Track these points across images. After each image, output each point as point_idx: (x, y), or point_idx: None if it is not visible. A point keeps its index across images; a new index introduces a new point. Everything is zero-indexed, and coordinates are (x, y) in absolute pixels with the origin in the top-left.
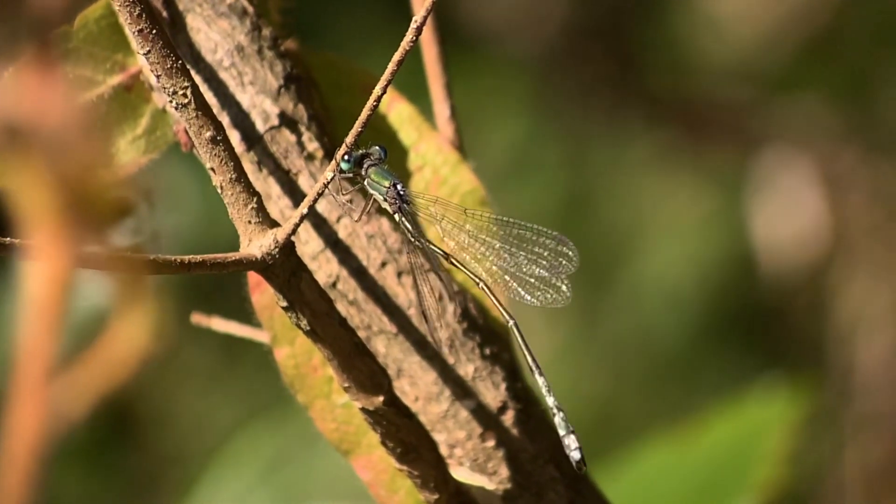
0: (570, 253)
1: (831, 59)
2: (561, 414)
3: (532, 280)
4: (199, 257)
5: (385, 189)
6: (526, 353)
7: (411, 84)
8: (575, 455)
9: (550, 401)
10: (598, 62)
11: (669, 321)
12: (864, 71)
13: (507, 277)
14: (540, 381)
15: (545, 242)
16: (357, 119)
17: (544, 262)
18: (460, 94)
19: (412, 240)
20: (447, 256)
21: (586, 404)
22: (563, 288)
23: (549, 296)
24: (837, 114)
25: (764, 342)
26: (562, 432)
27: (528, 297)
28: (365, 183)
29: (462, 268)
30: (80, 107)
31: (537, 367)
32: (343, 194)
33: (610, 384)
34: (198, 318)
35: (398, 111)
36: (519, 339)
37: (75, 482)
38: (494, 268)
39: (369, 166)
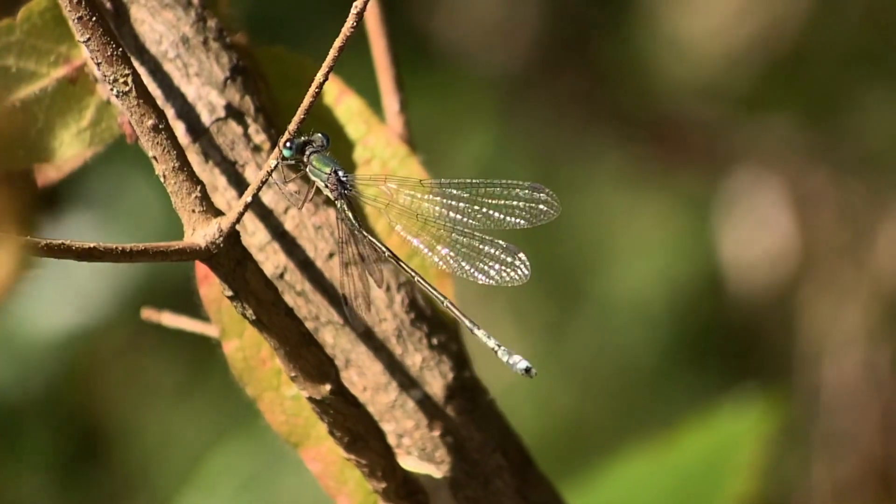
0: (547, 197)
1: (798, 80)
2: (502, 348)
3: (488, 260)
4: (140, 245)
5: (326, 175)
6: (459, 315)
7: (360, 78)
8: (521, 365)
9: (492, 342)
10: (568, 79)
11: (638, 338)
12: (831, 91)
13: (460, 259)
14: (479, 333)
15: (518, 193)
16: (299, 108)
17: (522, 213)
18: (431, 108)
19: (351, 228)
20: (386, 250)
21: (556, 420)
22: (520, 265)
23: (506, 275)
24: (805, 134)
25: (732, 360)
26: (505, 358)
27: (483, 278)
28: (307, 170)
29: (398, 263)
30: None
31: (473, 323)
32: (288, 182)
33: (579, 400)
34: (148, 314)
35: (347, 105)
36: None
37: (43, 499)
38: (447, 249)
39: (311, 153)
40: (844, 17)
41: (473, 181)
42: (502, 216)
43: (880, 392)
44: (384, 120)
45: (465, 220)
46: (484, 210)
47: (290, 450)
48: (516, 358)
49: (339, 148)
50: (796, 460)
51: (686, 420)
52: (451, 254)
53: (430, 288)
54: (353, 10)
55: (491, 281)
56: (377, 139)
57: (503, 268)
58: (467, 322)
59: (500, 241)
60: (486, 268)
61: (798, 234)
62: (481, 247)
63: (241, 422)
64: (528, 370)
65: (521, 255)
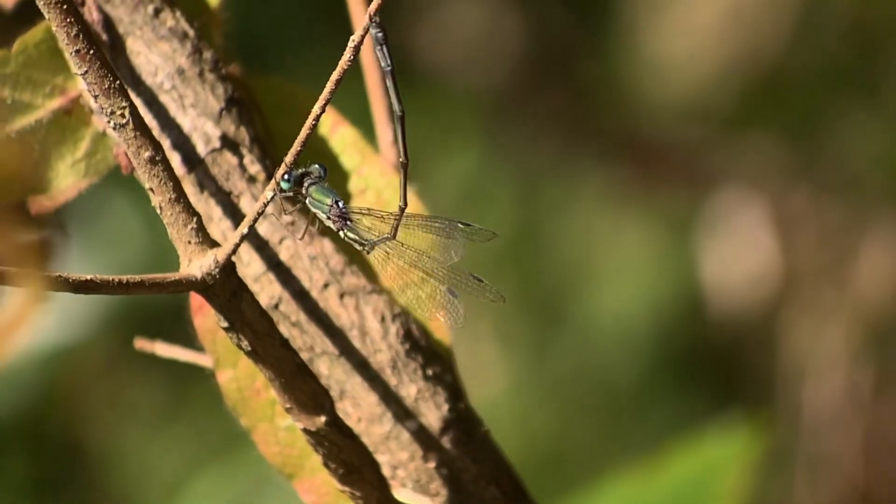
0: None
1: (779, 100)
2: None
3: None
4: (137, 277)
5: (328, 207)
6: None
7: (355, 108)
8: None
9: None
10: (550, 99)
11: (620, 358)
12: (812, 111)
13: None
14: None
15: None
16: (296, 140)
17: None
18: (412, 127)
19: (364, 246)
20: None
21: (536, 441)
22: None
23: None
24: (786, 154)
25: (713, 381)
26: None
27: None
28: (307, 202)
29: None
30: None
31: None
32: (285, 214)
33: (561, 420)
34: (141, 344)
35: (341, 135)
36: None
37: None
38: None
39: (310, 185)
40: (824, 37)
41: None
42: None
43: (862, 414)
44: (378, 150)
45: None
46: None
47: (273, 475)
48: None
49: (334, 178)
50: (778, 481)
51: (670, 444)
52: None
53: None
54: (351, 44)
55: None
56: (372, 169)
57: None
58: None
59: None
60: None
61: (780, 254)
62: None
63: (223, 444)
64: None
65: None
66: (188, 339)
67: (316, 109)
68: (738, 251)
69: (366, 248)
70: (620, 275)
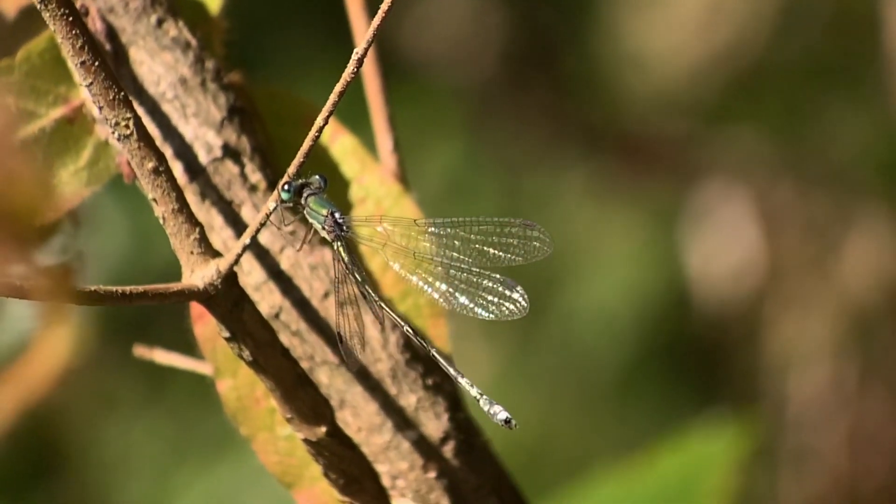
0: (540, 234)
1: (763, 93)
2: (485, 397)
3: (486, 294)
4: (140, 288)
5: (323, 217)
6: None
7: (354, 116)
8: (501, 416)
9: (475, 391)
10: (534, 93)
11: (604, 351)
12: (795, 104)
13: (458, 295)
14: (463, 382)
15: (511, 231)
16: (299, 150)
17: (517, 250)
18: (398, 121)
19: (347, 270)
20: (377, 299)
21: (520, 434)
22: (519, 298)
23: (504, 308)
24: (771, 148)
25: (697, 373)
26: (486, 407)
27: (483, 313)
28: (304, 212)
29: (388, 311)
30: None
31: (457, 372)
32: (286, 225)
33: (545, 413)
34: (140, 351)
35: (341, 143)
36: (440, 360)
37: None
38: (444, 285)
39: (309, 195)
40: (808, 30)
41: (466, 219)
42: (497, 252)
43: (847, 407)
44: (378, 158)
45: (460, 257)
46: (478, 247)
47: (256, 468)
48: (497, 408)
49: (334, 187)
50: (763, 475)
51: (657, 441)
52: (449, 290)
53: (414, 336)
54: (354, 56)
55: (490, 315)
56: (371, 178)
57: (502, 301)
58: (452, 371)
59: (497, 275)
60: (484, 302)
61: (764, 247)
62: (479, 281)
63: (203, 435)
64: (508, 421)
65: (519, 288)
66: (170, 332)
67: (319, 121)
68: (723, 244)
69: (348, 273)
70: (605, 268)
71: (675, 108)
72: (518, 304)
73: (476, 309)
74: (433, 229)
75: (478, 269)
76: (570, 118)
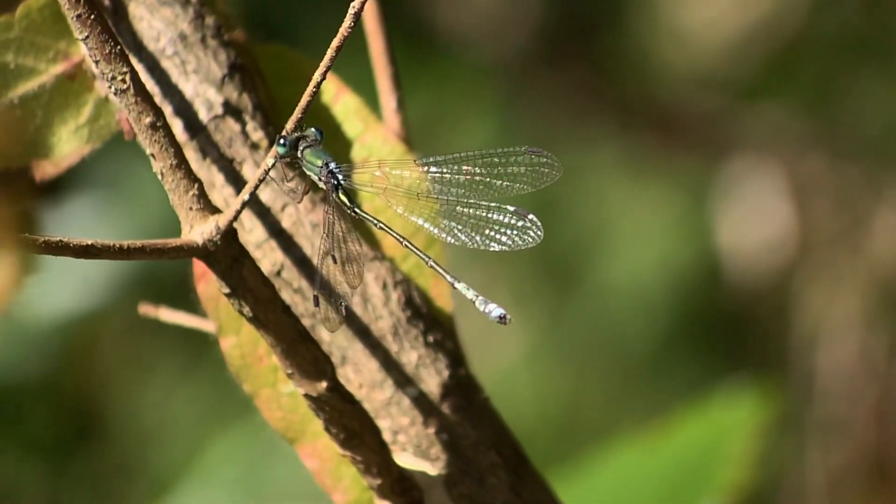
0: (548, 159)
1: (796, 69)
2: (480, 298)
3: (496, 226)
4: (138, 242)
5: (318, 168)
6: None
7: (360, 79)
8: (496, 312)
9: (470, 293)
10: (568, 68)
11: (635, 325)
12: (828, 79)
13: (467, 231)
14: (459, 287)
15: (517, 160)
16: (297, 107)
17: (524, 178)
18: (432, 98)
19: (349, 211)
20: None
21: (552, 406)
22: (532, 226)
23: (518, 239)
24: (803, 122)
25: (728, 346)
26: (482, 307)
27: (495, 245)
28: (302, 165)
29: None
30: None
31: (453, 277)
32: (287, 181)
33: (576, 385)
34: (146, 309)
35: (344, 102)
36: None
37: (39, 480)
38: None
39: (305, 148)
40: (842, 5)
41: (468, 153)
42: (504, 184)
43: (876, 379)
44: (381, 118)
45: (466, 193)
46: (487, 180)
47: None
48: (492, 306)
49: (337, 146)
50: (790, 446)
51: (681, 408)
52: (458, 226)
53: (414, 248)
54: (351, 10)
55: (503, 247)
56: (374, 137)
57: (515, 232)
58: (448, 277)
59: (508, 207)
60: (497, 235)
61: (795, 221)
62: (488, 215)
63: (239, 409)
64: (502, 317)
65: (531, 216)
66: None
67: (316, 76)
68: (754, 218)
69: (350, 213)
70: (636, 241)
71: (709, 83)
72: (532, 233)
73: (489, 242)
74: (435, 168)
75: (486, 203)
76: (603, 93)
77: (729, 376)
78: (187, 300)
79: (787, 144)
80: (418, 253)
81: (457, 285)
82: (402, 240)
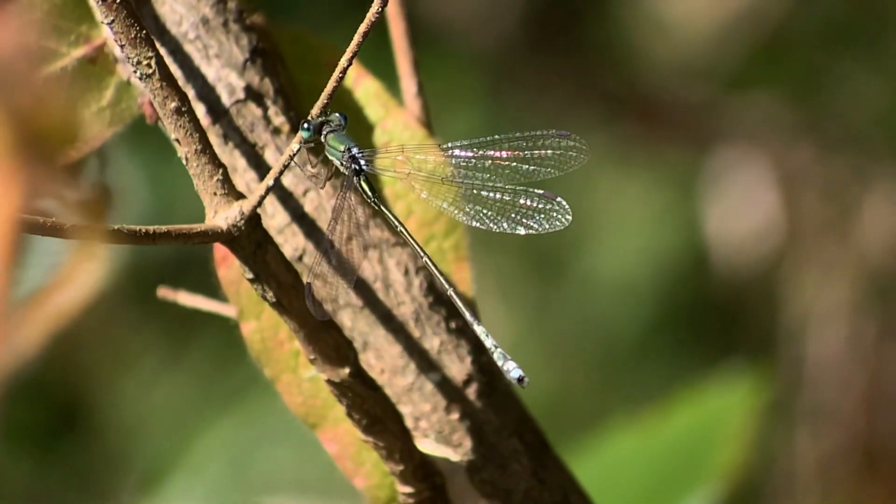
0: (577, 143)
1: (783, 58)
2: (499, 350)
3: (522, 210)
4: (164, 228)
5: (340, 153)
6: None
7: (379, 61)
8: (514, 374)
9: (489, 342)
10: (553, 57)
11: (623, 314)
12: (815, 68)
13: (494, 215)
14: (478, 330)
15: (545, 143)
16: (322, 93)
17: (551, 162)
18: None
19: (368, 201)
20: (399, 225)
21: (539, 395)
22: (560, 209)
23: (546, 223)
24: (790, 111)
25: (716, 336)
26: (500, 362)
27: (522, 229)
28: (325, 151)
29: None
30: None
31: (474, 318)
32: (310, 167)
33: (563, 375)
34: (164, 293)
35: (365, 87)
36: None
37: (21, 472)
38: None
39: (328, 132)
40: None
41: (494, 137)
42: (531, 168)
43: (864, 366)
44: (402, 103)
45: (492, 177)
46: (513, 164)
47: (276, 427)
48: (511, 364)
49: (358, 131)
50: (780, 433)
51: (673, 395)
52: (484, 210)
53: (438, 274)
54: None
55: (530, 230)
56: (395, 122)
57: (543, 216)
58: (468, 316)
59: (536, 190)
60: (524, 219)
61: (783, 210)
62: (515, 199)
63: (224, 401)
64: (520, 379)
65: (559, 199)
66: (193, 290)
67: (343, 62)
68: (741, 207)
69: (370, 203)
70: (624, 231)
71: (695, 72)
72: (560, 216)
73: (515, 227)
74: (459, 152)
75: (512, 187)
76: (589, 83)
77: (717, 365)
78: (176, 284)
79: (775, 133)
80: (436, 273)
81: (476, 328)
82: (422, 255)
